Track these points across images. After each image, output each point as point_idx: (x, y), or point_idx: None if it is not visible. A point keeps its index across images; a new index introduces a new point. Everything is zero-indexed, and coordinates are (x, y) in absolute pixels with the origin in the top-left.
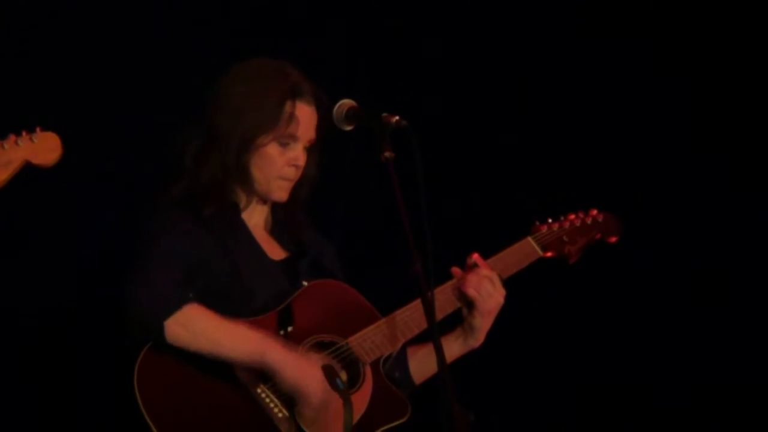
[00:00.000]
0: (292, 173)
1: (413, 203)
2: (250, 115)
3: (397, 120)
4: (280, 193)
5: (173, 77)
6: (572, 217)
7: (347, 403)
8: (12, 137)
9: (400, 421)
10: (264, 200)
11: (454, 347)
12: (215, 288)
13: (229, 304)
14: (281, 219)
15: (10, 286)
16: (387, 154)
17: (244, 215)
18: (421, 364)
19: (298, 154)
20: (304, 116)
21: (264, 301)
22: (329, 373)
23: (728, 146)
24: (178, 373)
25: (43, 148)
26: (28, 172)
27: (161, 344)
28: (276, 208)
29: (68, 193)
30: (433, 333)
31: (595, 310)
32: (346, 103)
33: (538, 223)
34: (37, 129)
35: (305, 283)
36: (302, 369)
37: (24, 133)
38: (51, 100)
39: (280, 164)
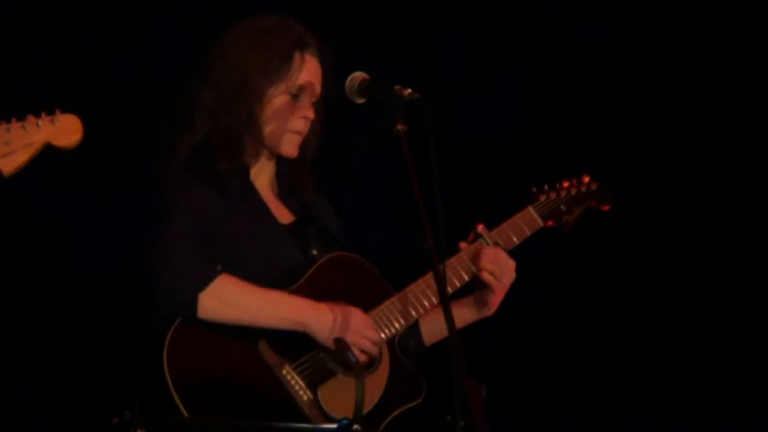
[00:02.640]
0: (302, 126)
1: (426, 176)
2: (260, 68)
3: (409, 93)
4: (291, 147)
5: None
6: (567, 184)
7: (359, 378)
8: (32, 119)
9: (416, 402)
10: (273, 156)
11: (467, 314)
12: (231, 253)
13: (245, 271)
14: (287, 180)
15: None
16: (399, 126)
17: (252, 176)
18: (433, 327)
19: (307, 106)
20: (312, 68)
21: (279, 269)
22: (341, 346)
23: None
24: (207, 351)
25: (64, 130)
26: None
27: (191, 320)
28: (281, 169)
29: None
30: (445, 308)
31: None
32: (359, 75)
33: (535, 191)
34: (57, 111)
35: (315, 252)
36: (340, 319)
37: (44, 115)
38: (56, 95)
39: (290, 117)
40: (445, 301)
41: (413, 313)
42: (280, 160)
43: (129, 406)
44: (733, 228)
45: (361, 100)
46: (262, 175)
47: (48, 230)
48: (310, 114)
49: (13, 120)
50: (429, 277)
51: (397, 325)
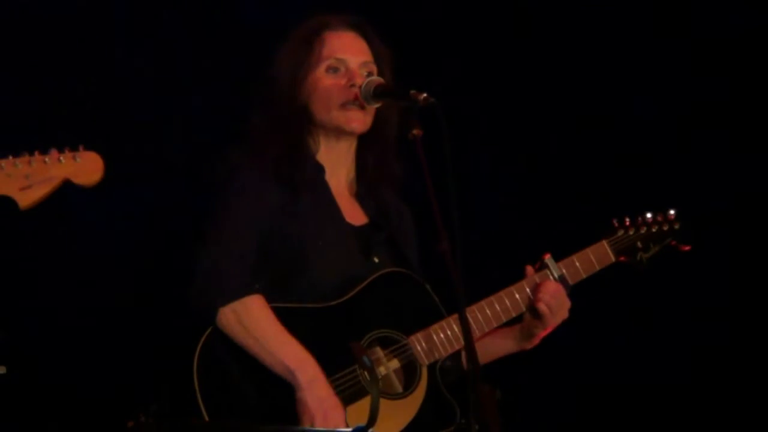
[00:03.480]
0: (351, 94)
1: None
2: (290, 59)
3: (425, 97)
4: (351, 123)
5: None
6: (650, 219)
7: (374, 381)
8: (55, 153)
9: (447, 429)
10: (345, 143)
11: (509, 343)
12: (286, 251)
13: (302, 270)
14: (368, 177)
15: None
16: (415, 131)
17: (327, 175)
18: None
19: (351, 73)
20: (337, 39)
21: (335, 274)
22: (357, 350)
23: None
24: (240, 356)
25: (85, 168)
26: None
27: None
28: (363, 164)
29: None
30: (459, 308)
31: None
32: (374, 80)
33: (616, 224)
34: (81, 147)
35: (376, 260)
36: (322, 405)
37: (67, 151)
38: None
39: (335, 90)
40: (462, 309)
41: (461, 340)
42: (361, 152)
43: (145, 410)
44: None
45: (376, 104)
46: (339, 173)
47: (63, 229)
48: (358, 79)
49: (36, 153)
50: (481, 305)
51: (442, 350)
